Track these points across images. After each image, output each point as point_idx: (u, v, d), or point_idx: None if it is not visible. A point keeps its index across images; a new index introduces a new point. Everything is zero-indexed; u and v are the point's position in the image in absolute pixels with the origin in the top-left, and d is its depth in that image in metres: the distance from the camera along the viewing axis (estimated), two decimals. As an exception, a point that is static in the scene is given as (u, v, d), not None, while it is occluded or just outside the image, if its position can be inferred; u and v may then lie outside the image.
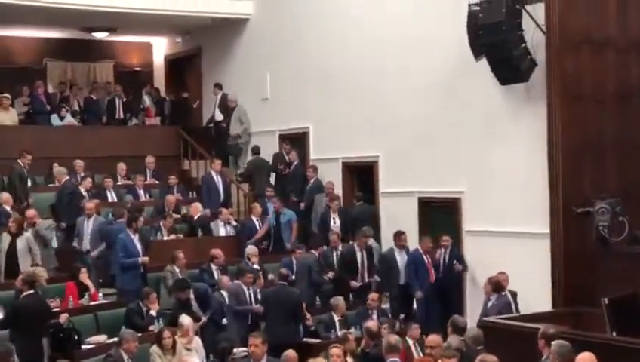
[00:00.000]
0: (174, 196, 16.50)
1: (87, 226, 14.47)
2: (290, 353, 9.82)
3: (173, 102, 20.52)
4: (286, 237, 15.67)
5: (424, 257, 14.04)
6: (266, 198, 16.55)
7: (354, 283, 14.28)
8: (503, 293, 12.48)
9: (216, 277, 13.78)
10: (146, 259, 13.60)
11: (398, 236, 14.49)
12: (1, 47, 20.22)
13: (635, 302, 10.61)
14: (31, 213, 13.98)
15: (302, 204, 16.73)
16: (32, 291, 11.09)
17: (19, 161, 15.84)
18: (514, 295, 12.57)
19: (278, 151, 17.79)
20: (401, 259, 14.35)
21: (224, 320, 12.81)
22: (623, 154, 12.83)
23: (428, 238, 14.21)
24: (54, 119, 18.44)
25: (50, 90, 19.82)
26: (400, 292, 14.26)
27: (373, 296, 13.25)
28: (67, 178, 15.70)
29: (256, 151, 17.99)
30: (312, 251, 14.68)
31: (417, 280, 14.03)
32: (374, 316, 12.87)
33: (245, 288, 12.89)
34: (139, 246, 13.57)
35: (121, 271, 13.47)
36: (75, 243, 14.45)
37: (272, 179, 17.71)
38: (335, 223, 15.59)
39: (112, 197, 16.53)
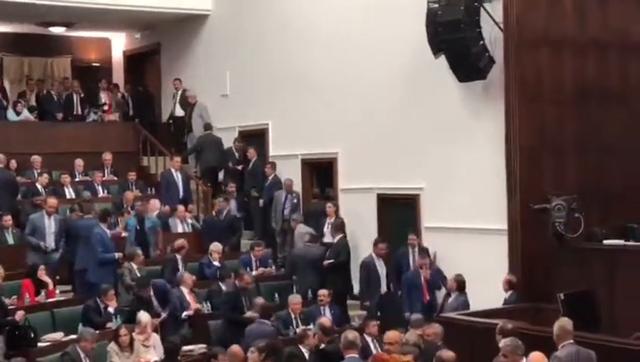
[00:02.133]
0: (133, 192, 16.40)
1: (50, 224, 14.12)
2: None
3: (136, 96, 20.36)
4: (151, 242, 15.04)
5: (421, 277, 13.36)
6: (227, 194, 16.55)
7: None
8: (463, 292, 12.55)
9: (180, 269, 13.76)
10: (121, 254, 13.58)
11: (376, 244, 13.96)
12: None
13: (590, 298, 10.74)
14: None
15: (261, 201, 16.74)
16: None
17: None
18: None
19: (229, 147, 17.80)
20: (381, 267, 13.93)
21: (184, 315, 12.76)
22: (581, 152, 12.93)
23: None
24: (10, 114, 18.23)
25: (7, 85, 19.59)
26: (381, 302, 13.84)
27: (323, 292, 13.20)
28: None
29: (208, 128, 18.01)
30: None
31: (409, 302, 13.31)
32: (326, 312, 12.86)
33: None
34: (110, 242, 13.61)
35: (98, 265, 13.29)
36: (30, 239, 14.07)
37: (221, 174, 17.88)
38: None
39: (69, 193, 16.40)
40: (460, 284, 12.58)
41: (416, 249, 13.94)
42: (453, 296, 12.60)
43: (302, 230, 14.94)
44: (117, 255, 13.51)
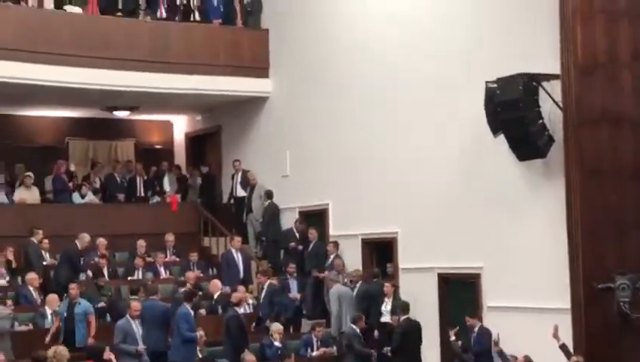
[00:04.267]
0: (194, 273, 16.55)
1: (137, 327, 13.52)
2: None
3: (201, 178, 20.64)
4: (79, 332, 13.91)
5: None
6: (287, 274, 16.60)
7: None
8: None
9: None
10: (202, 332, 13.70)
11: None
12: (25, 127, 20.46)
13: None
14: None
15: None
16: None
17: (32, 238, 16.16)
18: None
19: (289, 228, 17.93)
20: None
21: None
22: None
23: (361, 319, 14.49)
24: (75, 197, 18.60)
25: (73, 168, 20.00)
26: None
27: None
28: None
29: (269, 195, 18.25)
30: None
31: None
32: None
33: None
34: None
35: (181, 344, 13.41)
36: (123, 347, 13.24)
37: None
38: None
39: (137, 274, 16.66)
40: None
41: (476, 330, 13.72)
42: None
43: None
44: (199, 334, 13.59)
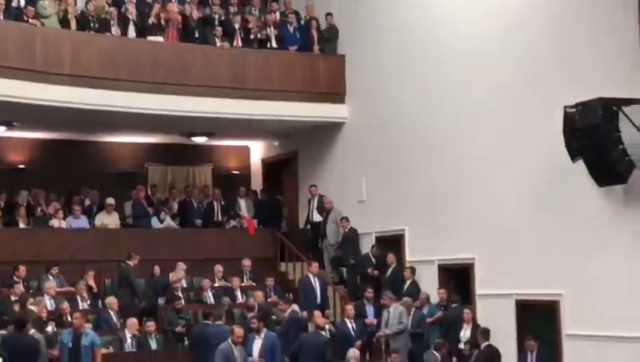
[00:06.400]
0: (263, 295, 16.59)
1: (240, 353, 13.37)
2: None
3: (265, 203, 20.76)
4: None
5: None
6: (365, 299, 16.59)
7: None
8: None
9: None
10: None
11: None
12: (105, 153, 20.82)
13: None
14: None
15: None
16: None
17: (128, 262, 16.40)
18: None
19: (366, 253, 17.93)
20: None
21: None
22: None
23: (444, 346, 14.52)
24: (154, 221, 18.88)
25: (151, 193, 20.29)
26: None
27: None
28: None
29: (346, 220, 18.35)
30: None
31: None
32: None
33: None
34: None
35: None
36: None
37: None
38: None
39: (209, 298, 16.79)
40: None
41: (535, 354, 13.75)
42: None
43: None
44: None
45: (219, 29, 18.91)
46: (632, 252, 12.72)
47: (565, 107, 12.93)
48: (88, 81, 16.61)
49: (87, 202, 18.85)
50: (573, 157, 12.98)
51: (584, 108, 12.64)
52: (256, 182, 22.31)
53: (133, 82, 17.17)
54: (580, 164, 12.93)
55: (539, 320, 14.55)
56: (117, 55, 17.24)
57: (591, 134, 12.54)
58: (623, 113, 12.64)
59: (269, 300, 16.36)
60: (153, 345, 14.83)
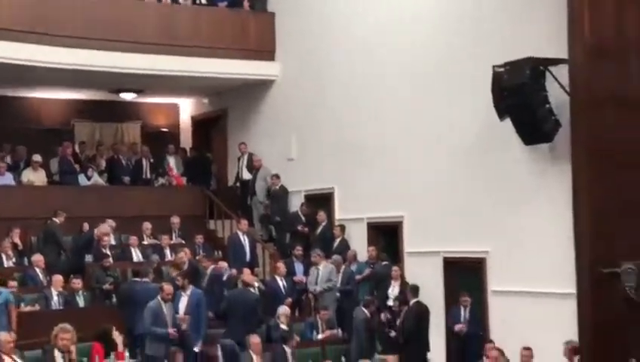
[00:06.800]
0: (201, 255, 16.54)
1: (169, 310, 13.41)
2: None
3: (194, 160, 20.64)
4: (1, 323, 12.90)
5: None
6: (294, 257, 16.63)
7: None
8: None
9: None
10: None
11: None
12: (30, 109, 20.48)
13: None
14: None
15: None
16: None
17: (54, 219, 16.19)
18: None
19: (295, 211, 17.97)
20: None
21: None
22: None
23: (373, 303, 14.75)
24: (82, 179, 18.63)
25: (78, 150, 20.01)
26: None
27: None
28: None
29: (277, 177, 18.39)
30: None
31: None
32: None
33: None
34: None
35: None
36: (156, 331, 13.14)
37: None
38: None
39: (137, 256, 16.65)
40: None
41: (468, 309, 14.27)
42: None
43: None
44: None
45: (148, -15, 18.64)
46: (557, 210, 12.90)
47: (494, 66, 13.02)
48: (12, 34, 16.21)
49: (12, 158, 18.52)
50: (501, 116, 13.11)
51: (512, 67, 12.76)
52: (186, 140, 22.19)
53: (59, 36, 16.79)
54: (508, 123, 13.05)
55: (466, 277, 14.74)
56: (44, 8, 16.79)
57: (518, 93, 12.67)
58: (550, 73, 12.79)
59: (197, 258, 16.24)
60: (80, 302, 14.73)
